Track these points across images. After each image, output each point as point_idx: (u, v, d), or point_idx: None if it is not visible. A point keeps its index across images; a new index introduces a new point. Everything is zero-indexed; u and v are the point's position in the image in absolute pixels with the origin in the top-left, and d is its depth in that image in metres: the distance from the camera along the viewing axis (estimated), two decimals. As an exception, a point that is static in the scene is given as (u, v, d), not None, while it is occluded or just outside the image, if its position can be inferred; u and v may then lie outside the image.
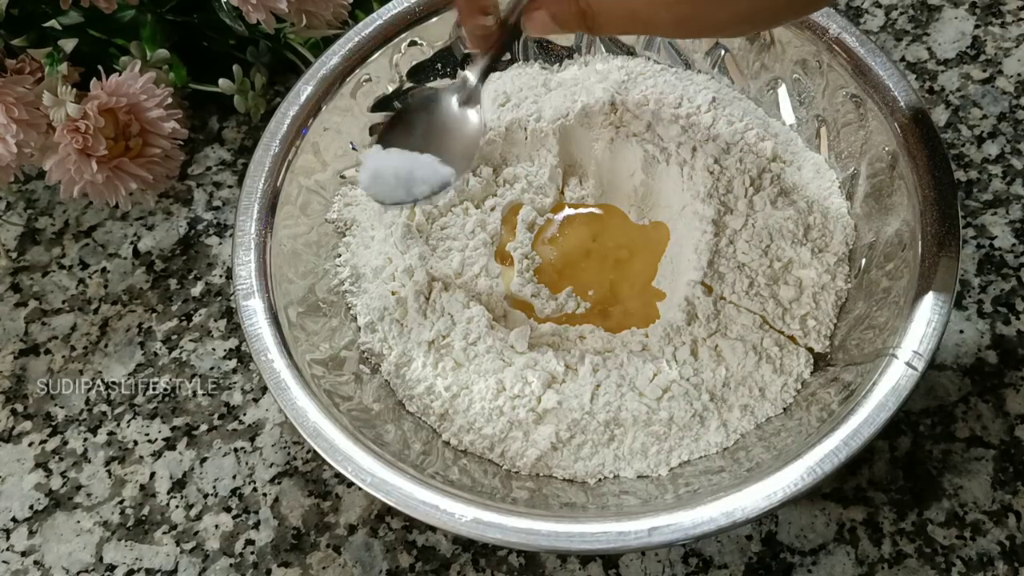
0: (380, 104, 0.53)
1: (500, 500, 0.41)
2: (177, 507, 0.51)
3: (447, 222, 0.51)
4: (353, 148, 0.52)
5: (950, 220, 0.43)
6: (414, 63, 0.54)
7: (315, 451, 0.42)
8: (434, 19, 0.53)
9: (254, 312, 0.45)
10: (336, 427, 0.42)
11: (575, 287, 0.50)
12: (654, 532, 0.38)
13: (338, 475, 0.50)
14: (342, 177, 0.52)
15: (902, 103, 0.47)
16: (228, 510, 0.50)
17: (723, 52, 0.54)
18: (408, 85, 0.53)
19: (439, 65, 0.54)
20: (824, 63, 0.50)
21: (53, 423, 0.54)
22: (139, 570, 0.49)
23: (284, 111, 0.50)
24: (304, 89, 0.51)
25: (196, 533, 0.50)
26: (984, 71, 0.60)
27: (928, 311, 0.41)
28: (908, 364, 0.40)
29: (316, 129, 0.51)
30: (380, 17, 0.52)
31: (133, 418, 0.53)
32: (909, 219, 0.45)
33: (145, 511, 0.51)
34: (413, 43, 0.53)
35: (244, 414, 0.53)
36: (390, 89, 0.53)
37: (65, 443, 0.53)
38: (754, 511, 0.38)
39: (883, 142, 0.47)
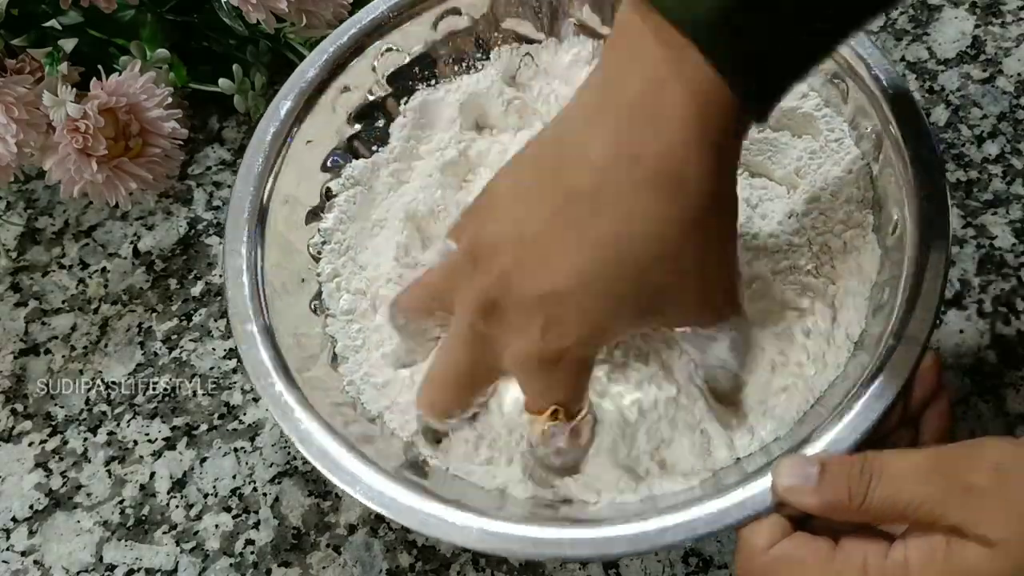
0: (361, 113, 0.53)
1: (497, 508, 0.41)
2: (177, 507, 0.51)
3: None
4: (337, 159, 0.52)
5: (938, 200, 0.42)
6: (393, 69, 0.53)
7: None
8: (407, 24, 0.52)
9: (250, 336, 0.44)
10: (341, 445, 0.41)
11: None
12: (664, 532, 0.38)
13: (338, 475, 0.50)
14: (328, 190, 0.52)
15: (883, 82, 0.46)
16: (228, 510, 0.50)
17: None
18: (389, 91, 0.53)
19: (416, 70, 0.53)
20: None
21: (53, 423, 0.54)
22: (139, 570, 0.49)
23: (264, 127, 0.49)
24: (283, 104, 0.50)
25: (196, 533, 0.50)
26: (984, 71, 0.60)
27: (921, 291, 0.41)
28: (905, 346, 0.40)
29: (299, 142, 0.50)
30: (353, 26, 0.52)
31: (133, 418, 0.53)
32: (898, 197, 0.44)
33: (145, 511, 0.51)
34: (389, 50, 0.52)
35: (244, 414, 0.53)
36: (370, 97, 0.53)
37: (65, 443, 0.53)
38: (761, 507, 0.37)
39: (866, 122, 0.47)
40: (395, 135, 0.53)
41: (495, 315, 0.38)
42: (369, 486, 0.40)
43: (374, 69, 0.52)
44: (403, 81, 0.53)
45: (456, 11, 0.53)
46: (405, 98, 0.53)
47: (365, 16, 0.52)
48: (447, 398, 0.42)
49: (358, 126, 0.52)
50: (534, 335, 0.38)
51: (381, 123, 0.53)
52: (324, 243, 0.50)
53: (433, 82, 0.54)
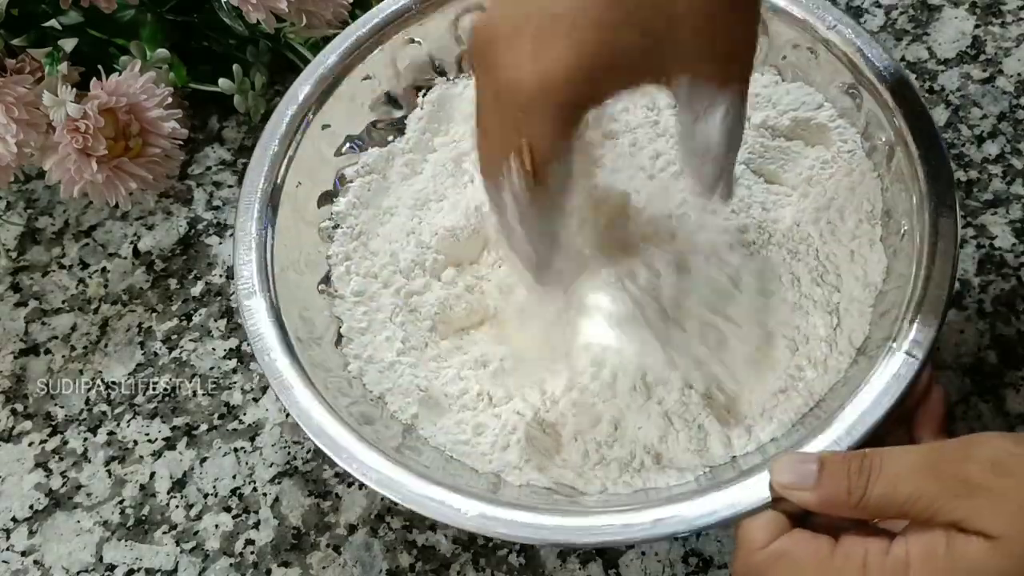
0: (380, 103, 0.53)
1: (492, 492, 0.42)
2: (177, 507, 0.51)
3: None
4: (353, 146, 0.52)
5: (947, 209, 0.43)
6: (413, 61, 0.53)
7: (316, 450, 0.42)
8: (430, 17, 0.53)
9: (256, 311, 0.45)
10: (340, 425, 0.42)
11: None
12: (658, 524, 0.38)
13: (338, 475, 0.50)
14: (342, 175, 0.52)
15: (898, 94, 0.46)
16: (228, 510, 0.50)
17: None
18: (408, 83, 0.53)
19: (436, 63, 0.54)
20: (820, 54, 0.49)
21: (53, 423, 0.54)
22: (139, 570, 0.49)
23: (283, 110, 0.50)
24: (302, 88, 0.51)
25: (196, 533, 0.50)
26: (984, 71, 0.60)
27: (927, 300, 0.41)
28: (908, 353, 0.40)
29: (315, 127, 0.51)
30: (377, 15, 0.52)
31: (133, 418, 0.53)
32: (908, 208, 0.45)
33: (145, 511, 0.51)
34: (411, 41, 0.53)
35: (244, 414, 0.53)
36: (389, 88, 0.53)
37: (65, 443, 0.53)
38: (757, 502, 0.37)
39: (880, 134, 0.47)
40: (411, 126, 0.53)
41: (490, 41, 0.35)
42: (367, 465, 0.40)
43: (395, 60, 0.53)
44: (422, 74, 0.54)
45: (480, 7, 0.53)
46: (424, 91, 0.54)
47: (389, 6, 0.52)
48: (485, 148, 0.38)
49: (376, 115, 0.53)
50: (522, 61, 0.34)
51: (399, 113, 0.54)
52: (336, 226, 0.51)
53: (452, 77, 0.54)
